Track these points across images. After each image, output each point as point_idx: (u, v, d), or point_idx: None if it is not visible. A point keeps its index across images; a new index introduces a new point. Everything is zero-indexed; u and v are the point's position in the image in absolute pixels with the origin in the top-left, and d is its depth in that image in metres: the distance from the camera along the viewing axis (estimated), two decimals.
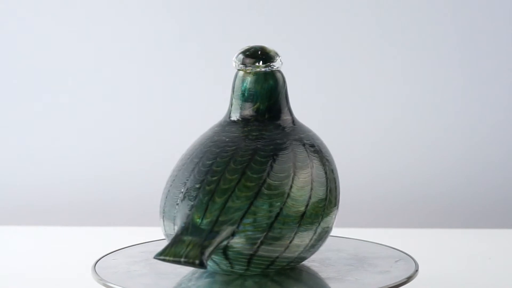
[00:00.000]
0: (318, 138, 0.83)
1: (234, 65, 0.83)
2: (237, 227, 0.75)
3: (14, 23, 1.35)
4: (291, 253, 0.78)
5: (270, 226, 0.75)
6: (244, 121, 0.82)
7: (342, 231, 0.95)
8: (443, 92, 1.35)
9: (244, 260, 0.77)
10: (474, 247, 1.14)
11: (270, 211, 0.76)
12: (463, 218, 1.34)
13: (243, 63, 0.82)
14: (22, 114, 1.37)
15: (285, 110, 0.83)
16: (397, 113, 1.36)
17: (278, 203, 0.76)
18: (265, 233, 0.76)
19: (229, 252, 0.76)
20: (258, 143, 0.79)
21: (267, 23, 1.34)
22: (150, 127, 1.36)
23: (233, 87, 0.83)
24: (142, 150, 1.36)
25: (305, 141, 0.80)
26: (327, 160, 0.81)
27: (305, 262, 0.84)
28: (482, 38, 1.34)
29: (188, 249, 0.72)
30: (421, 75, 1.35)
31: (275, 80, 0.82)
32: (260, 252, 0.76)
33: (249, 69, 0.82)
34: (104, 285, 0.79)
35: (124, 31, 1.35)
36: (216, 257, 0.77)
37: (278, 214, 0.76)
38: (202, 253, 0.72)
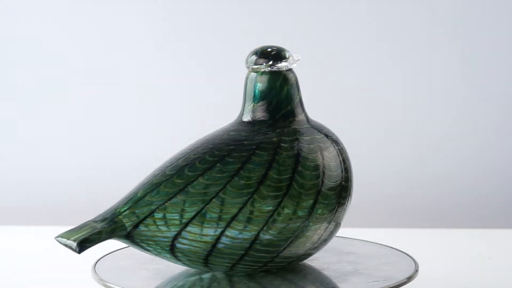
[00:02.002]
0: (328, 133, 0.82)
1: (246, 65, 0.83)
2: (143, 220, 0.76)
3: (13, 21, 1.36)
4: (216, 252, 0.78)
5: (187, 224, 0.76)
6: (245, 121, 0.82)
7: (342, 231, 0.95)
8: (445, 92, 1.35)
9: (162, 250, 0.78)
10: (474, 247, 1.14)
11: (189, 210, 0.76)
12: (463, 218, 1.34)
13: (252, 63, 0.82)
14: (22, 114, 1.37)
15: (296, 110, 0.82)
16: (398, 114, 1.36)
17: (199, 202, 0.76)
18: (179, 230, 0.76)
19: (142, 243, 0.77)
20: (222, 142, 0.79)
21: (281, 23, 1.34)
22: (156, 128, 1.37)
23: (244, 87, 0.83)
24: (146, 151, 1.36)
25: (281, 143, 0.79)
26: (339, 148, 0.81)
27: (306, 262, 0.84)
28: (485, 43, 1.34)
29: (80, 234, 0.75)
30: (426, 75, 1.35)
31: (281, 80, 0.82)
32: (179, 245, 0.77)
33: (255, 68, 0.82)
34: (104, 285, 0.79)
35: (132, 31, 1.36)
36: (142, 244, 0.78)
37: (197, 214, 0.76)
38: (84, 240, 0.75)
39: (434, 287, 0.94)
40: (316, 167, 0.78)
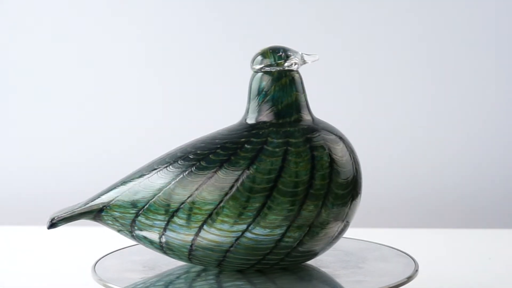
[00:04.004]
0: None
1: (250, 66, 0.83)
2: (107, 206, 0.80)
3: (12, 22, 1.36)
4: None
5: (137, 214, 0.78)
6: (244, 121, 0.81)
7: None
8: (445, 92, 1.35)
9: (127, 234, 0.81)
10: (474, 247, 1.14)
11: (140, 200, 0.79)
12: (463, 218, 1.34)
13: (256, 64, 0.82)
14: (22, 114, 1.37)
15: (289, 110, 0.80)
16: (398, 114, 1.36)
17: (149, 194, 0.78)
18: (132, 218, 0.79)
19: (109, 225, 0.81)
20: (200, 141, 0.80)
21: (288, 23, 1.34)
22: (160, 131, 1.37)
23: (249, 88, 0.83)
24: (147, 153, 1.36)
25: (246, 144, 0.78)
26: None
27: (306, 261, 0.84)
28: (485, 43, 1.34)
29: (60, 213, 0.81)
30: (424, 73, 1.35)
31: (270, 80, 0.81)
32: (137, 233, 0.80)
33: (256, 69, 0.82)
34: (104, 285, 0.79)
35: (135, 30, 1.36)
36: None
37: (145, 204, 0.78)
38: (56, 217, 0.80)
39: (434, 287, 0.94)
40: (269, 171, 0.77)
